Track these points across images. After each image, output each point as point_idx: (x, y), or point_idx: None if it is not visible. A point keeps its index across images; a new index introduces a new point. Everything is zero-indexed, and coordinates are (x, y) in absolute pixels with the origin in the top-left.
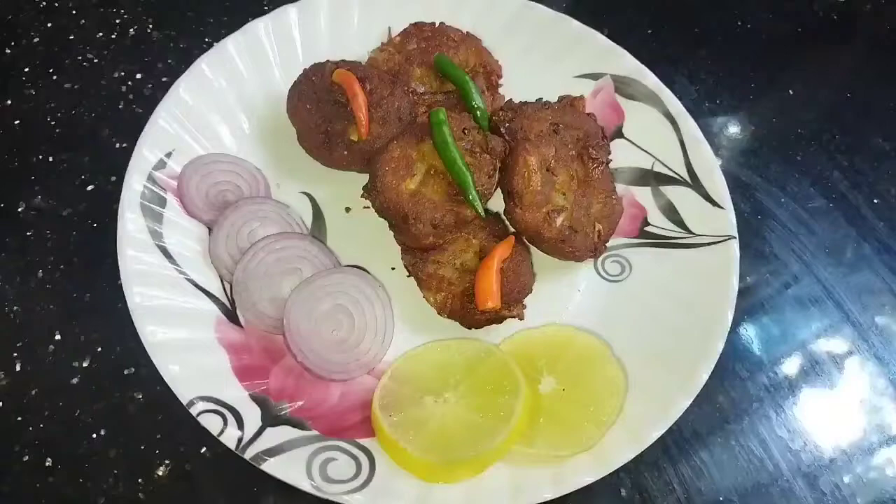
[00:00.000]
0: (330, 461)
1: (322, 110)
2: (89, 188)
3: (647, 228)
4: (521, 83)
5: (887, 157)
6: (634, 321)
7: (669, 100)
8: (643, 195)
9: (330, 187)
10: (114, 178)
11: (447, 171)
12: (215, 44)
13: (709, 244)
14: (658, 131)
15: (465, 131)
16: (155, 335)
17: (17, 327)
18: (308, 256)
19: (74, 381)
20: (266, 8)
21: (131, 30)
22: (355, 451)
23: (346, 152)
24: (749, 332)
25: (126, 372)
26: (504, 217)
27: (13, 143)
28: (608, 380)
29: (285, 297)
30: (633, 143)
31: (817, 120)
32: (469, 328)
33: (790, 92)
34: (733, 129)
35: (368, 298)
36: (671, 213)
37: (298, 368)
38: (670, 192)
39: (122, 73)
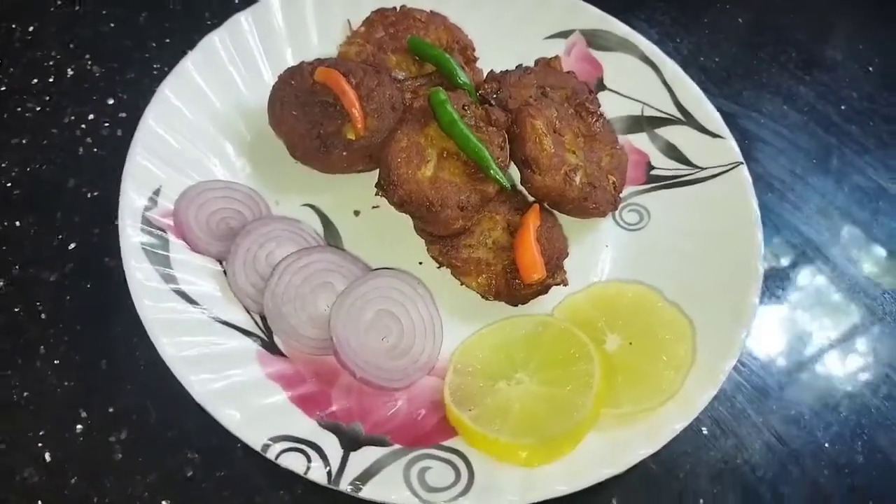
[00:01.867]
0: (426, 470)
1: (310, 114)
2: (71, 246)
3: (653, 172)
4: (494, 54)
5: (841, 66)
6: (669, 264)
7: (643, 43)
8: (640, 141)
9: (332, 194)
10: (96, 231)
11: (461, 150)
12: (167, 69)
13: (718, 174)
14: (639, 76)
15: (465, 108)
16: (204, 385)
17: (33, 415)
18: (335, 268)
19: (118, 457)
20: (210, 24)
21: (69, 70)
22: (445, 454)
23: (345, 153)
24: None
25: (170, 434)
26: (521, 187)
27: None
28: (671, 325)
29: (324, 315)
30: (617, 92)
31: (771, 42)
32: (516, 305)
33: (740, 21)
34: (699, 65)
35: (410, 298)
36: (673, 152)
37: (357, 385)
38: (666, 132)
39: (73, 117)
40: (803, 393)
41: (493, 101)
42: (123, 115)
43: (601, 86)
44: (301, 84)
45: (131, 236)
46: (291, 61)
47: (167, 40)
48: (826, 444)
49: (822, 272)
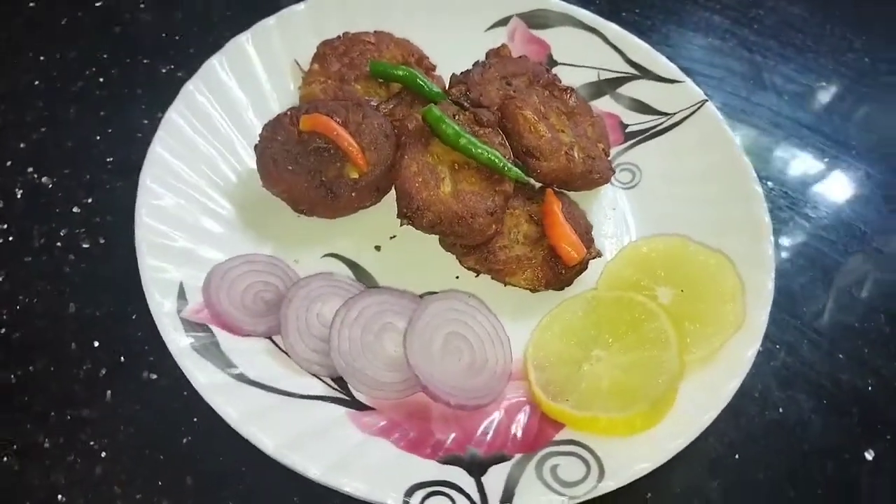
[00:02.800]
0: (556, 468)
1: (306, 165)
2: (102, 373)
3: (629, 129)
4: (445, 59)
5: None
6: (675, 210)
7: (580, 13)
8: (606, 104)
9: (346, 236)
10: (121, 350)
11: (471, 158)
12: (119, 159)
13: (689, 116)
14: (586, 44)
15: (455, 116)
16: (317, 463)
17: None
18: (387, 307)
19: None
20: (159, 115)
21: (16, 189)
22: (566, 448)
23: (353, 193)
24: None
25: None
26: (527, 178)
27: None
28: (709, 263)
29: (396, 356)
30: (569, 64)
31: None
32: (562, 289)
33: None
34: (622, 20)
35: (468, 314)
36: (640, 106)
37: (451, 412)
38: (627, 90)
39: (42, 239)
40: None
41: (467, 104)
42: (97, 219)
43: (552, 62)
44: (287, 137)
45: (178, 341)
46: (254, 119)
47: (110, 130)
48: (856, 325)
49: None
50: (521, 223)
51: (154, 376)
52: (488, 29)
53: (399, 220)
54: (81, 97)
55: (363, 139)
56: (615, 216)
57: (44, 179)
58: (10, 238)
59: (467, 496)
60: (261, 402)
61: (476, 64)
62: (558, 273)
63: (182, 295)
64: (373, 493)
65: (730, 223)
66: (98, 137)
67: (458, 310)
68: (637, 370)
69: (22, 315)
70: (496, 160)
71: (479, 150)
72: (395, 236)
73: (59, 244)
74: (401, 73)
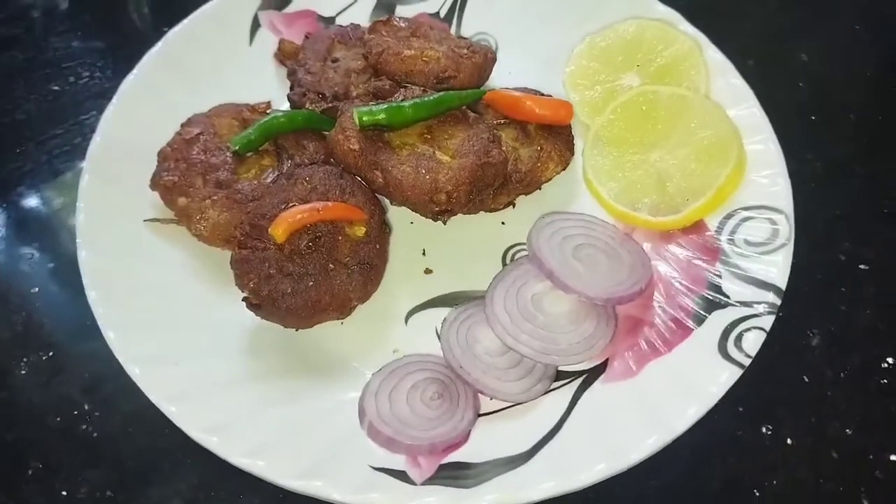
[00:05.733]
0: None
1: (311, 267)
2: None
3: None
4: None
5: None
6: None
7: None
8: None
9: (389, 298)
10: None
11: (429, 117)
12: None
13: None
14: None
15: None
16: None
17: None
18: (529, 274)
19: None
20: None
21: None
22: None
23: (378, 246)
24: None
25: None
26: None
27: None
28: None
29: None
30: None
31: None
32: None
33: None
34: None
35: (583, 227)
36: None
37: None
38: None
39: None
40: None
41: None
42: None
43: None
44: (267, 254)
45: None
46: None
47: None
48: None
49: None
50: (507, 134)
51: None
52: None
53: (437, 221)
54: None
55: (343, 197)
56: None
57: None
58: None
59: None
60: None
61: (291, 73)
62: (564, 135)
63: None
64: None
65: None
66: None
67: (571, 226)
68: (700, 154)
69: None
70: (450, 98)
71: (429, 103)
72: (430, 271)
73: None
74: (268, 133)
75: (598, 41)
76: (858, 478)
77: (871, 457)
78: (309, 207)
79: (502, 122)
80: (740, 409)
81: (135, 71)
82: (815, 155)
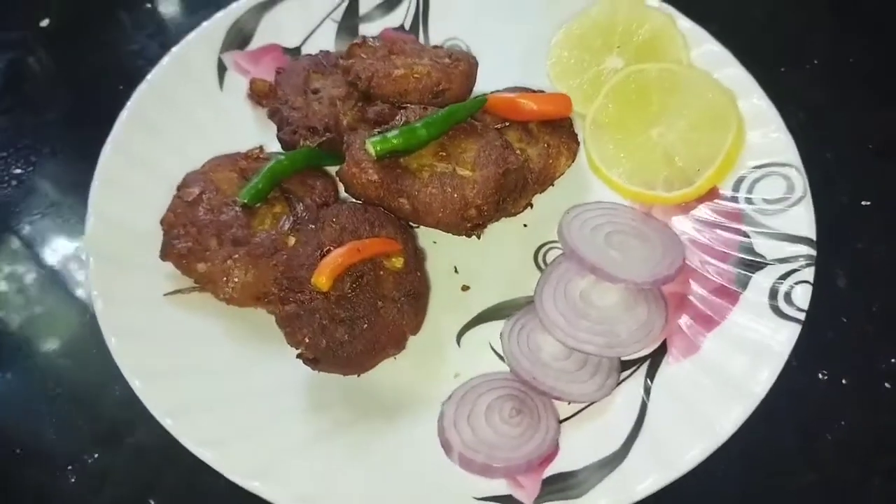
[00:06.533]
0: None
1: (360, 308)
2: None
3: None
4: None
5: None
6: None
7: None
8: None
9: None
10: None
11: (441, 134)
12: None
13: None
14: None
15: (378, 126)
16: None
17: None
18: (570, 272)
19: None
20: None
21: None
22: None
23: (419, 274)
24: None
25: None
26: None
27: None
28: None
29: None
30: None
31: None
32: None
33: None
34: None
35: (609, 214)
36: None
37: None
38: None
39: None
40: None
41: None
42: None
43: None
44: (315, 305)
45: None
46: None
47: None
48: None
49: None
50: (511, 137)
51: None
52: (222, 89)
53: (471, 237)
54: None
55: (374, 231)
56: None
57: None
58: None
59: None
60: None
61: (274, 113)
62: (566, 128)
63: None
64: None
65: None
66: None
67: (596, 216)
68: (700, 117)
69: None
70: (457, 111)
71: (440, 120)
72: (468, 288)
73: None
74: (274, 179)
75: (573, 29)
76: None
77: None
78: (347, 249)
79: (503, 125)
80: (794, 363)
81: (108, 141)
82: (796, 106)
